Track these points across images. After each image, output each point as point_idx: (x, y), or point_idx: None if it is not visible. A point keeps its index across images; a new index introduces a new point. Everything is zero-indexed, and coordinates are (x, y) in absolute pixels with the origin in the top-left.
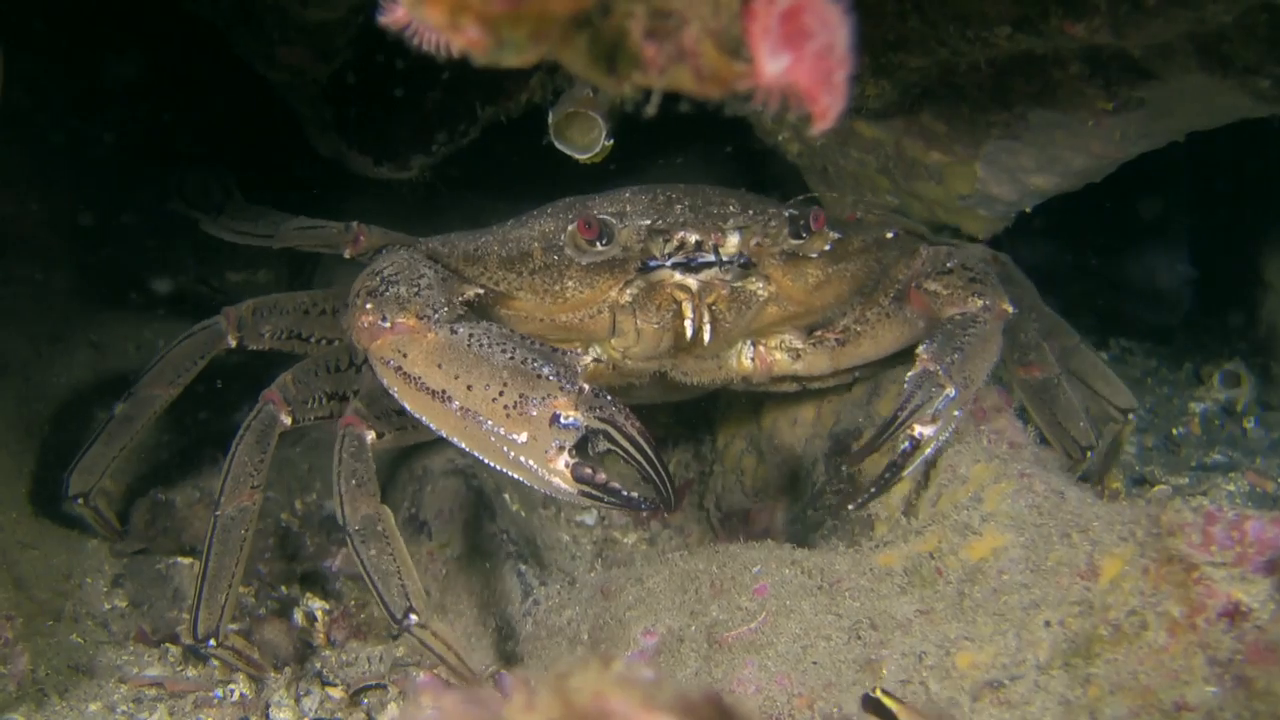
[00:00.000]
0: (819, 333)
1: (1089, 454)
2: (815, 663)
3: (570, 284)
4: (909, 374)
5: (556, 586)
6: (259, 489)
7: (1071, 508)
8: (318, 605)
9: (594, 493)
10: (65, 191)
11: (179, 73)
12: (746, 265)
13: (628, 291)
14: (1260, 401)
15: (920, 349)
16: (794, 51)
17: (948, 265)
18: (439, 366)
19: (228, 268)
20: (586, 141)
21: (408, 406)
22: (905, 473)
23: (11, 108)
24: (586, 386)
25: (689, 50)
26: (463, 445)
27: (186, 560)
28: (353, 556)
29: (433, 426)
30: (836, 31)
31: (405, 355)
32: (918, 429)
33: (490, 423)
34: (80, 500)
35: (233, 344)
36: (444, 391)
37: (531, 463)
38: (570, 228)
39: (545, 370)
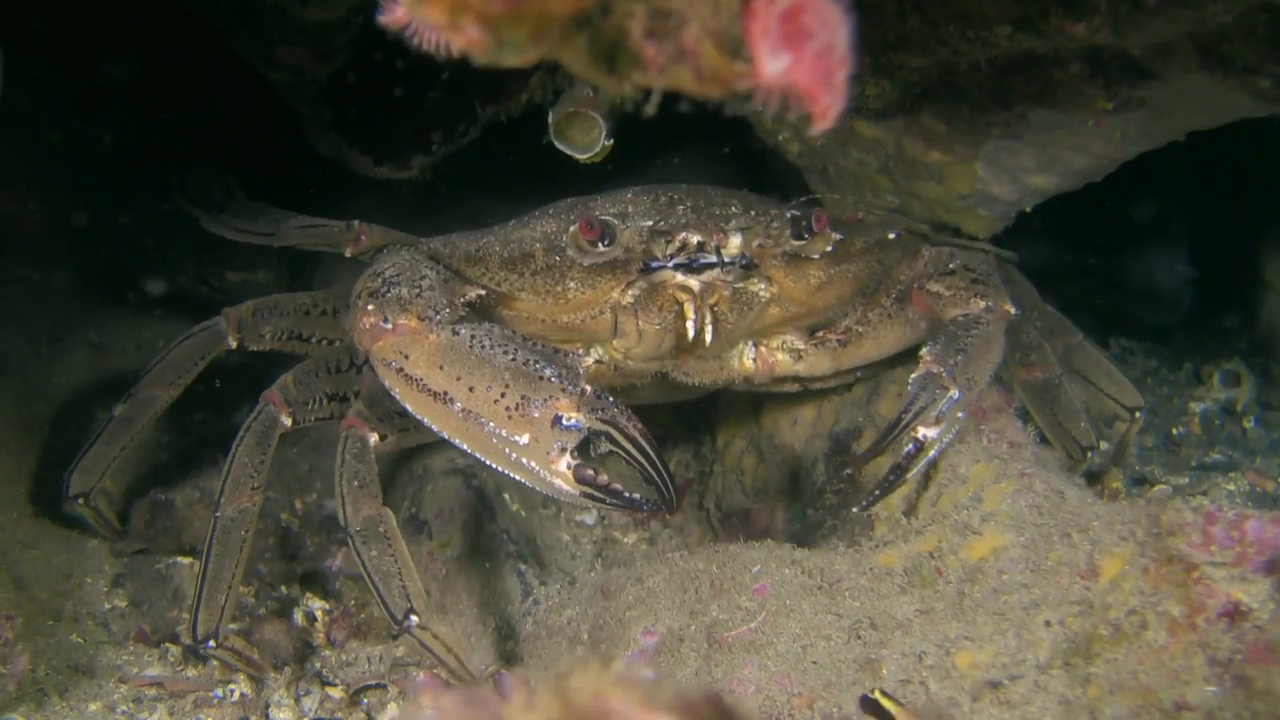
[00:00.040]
0: (820, 333)
1: (1089, 454)
2: (815, 662)
3: (572, 285)
4: (912, 376)
5: (556, 586)
6: (259, 490)
7: (1071, 507)
8: (318, 605)
9: (596, 494)
10: (65, 191)
11: (179, 73)
12: (748, 266)
13: (630, 292)
14: (1260, 401)
15: (924, 351)
16: (794, 51)
17: (950, 266)
18: (441, 368)
19: (227, 267)
20: (587, 141)
21: (409, 408)
22: (909, 475)
23: (12, 108)
24: (588, 388)
25: (689, 50)
26: (464, 447)
27: (186, 560)
28: (354, 557)
29: (434, 428)
30: (836, 31)
31: (407, 357)
32: (921, 431)
33: (492, 424)
34: (80, 500)
35: (233, 345)
36: (446, 393)
37: (533, 464)
38: (572, 228)
39: (547, 372)
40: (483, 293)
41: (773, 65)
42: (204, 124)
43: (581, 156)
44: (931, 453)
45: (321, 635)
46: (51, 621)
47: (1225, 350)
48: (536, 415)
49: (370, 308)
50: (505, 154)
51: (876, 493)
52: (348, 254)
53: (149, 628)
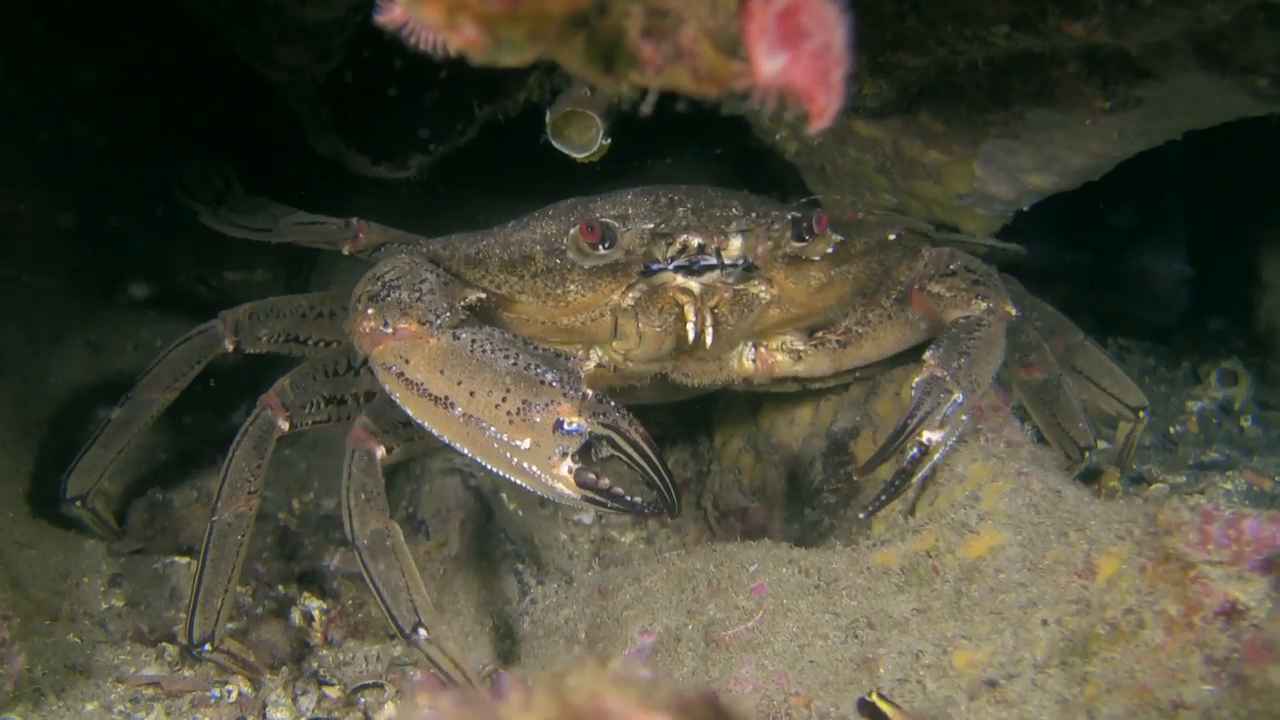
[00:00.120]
0: (820, 334)
1: (1087, 454)
2: (812, 661)
3: (572, 287)
4: (916, 380)
5: (554, 585)
6: (256, 494)
7: (1069, 506)
8: (315, 605)
9: (597, 498)
10: (64, 191)
11: (177, 72)
12: (749, 268)
13: (630, 295)
14: (1258, 400)
15: (927, 355)
16: (791, 51)
17: (951, 267)
18: (441, 372)
19: (225, 267)
20: (584, 141)
21: (409, 412)
22: (914, 479)
23: (10, 107)
24: (590, 392)
25: (686, 49)
26: (465, 451)
27: (184, 560)
28: (361, 571)
29: (435, 432)
30: (833, 31)
31: (407, 361)
32: (926, 435)
33: (493, 429)
34: (78, 503)
35: (230, 348)
36: (446, 398)
37: (535, 469)
38: (572, 231)
39: (548, 376)
40: (483, 296)
41: (770, 65)
42: (202, 123)
43: (579, 156)
44: (936, 456)
45: (319, 635)
46: (49, 621)
47: (1223, 349)
48: (538, 420)
49: (370, 312)
50: (503, 154)
51: (882, 498)
52: (346, 251)
53: (146, 627)
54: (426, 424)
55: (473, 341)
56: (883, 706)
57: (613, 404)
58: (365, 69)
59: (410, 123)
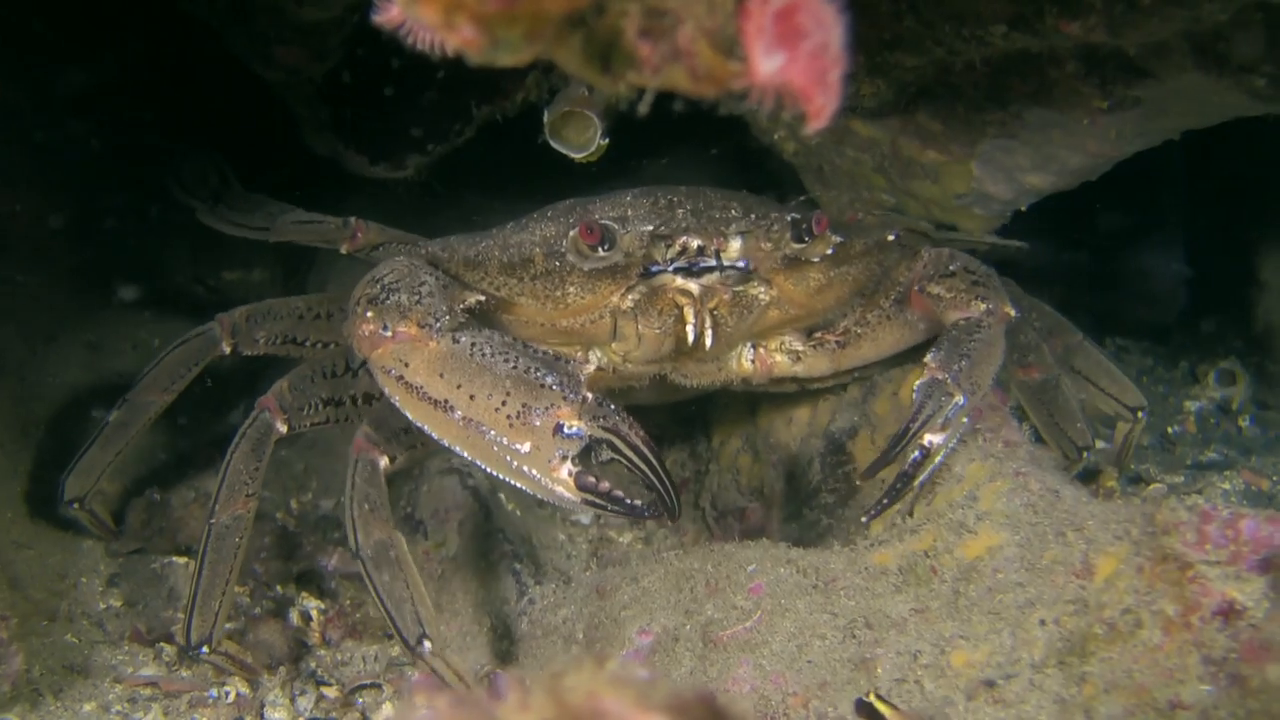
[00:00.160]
0: (819, 334)
1: (1085, 454)
2: (810, 662)
3: (572, 289)
4: (917, 383)
5: (552, 586)
6: (253, 497)
7: (1067, 506)
8: (313, 604)
9: (598, 501)
10: (61, 191)
11: (175, 72)
12: (748, 270)
13: (629, 297)
14: (1256, 400)
15: (928, 357)
16: (788, 51)
17: (950, 268)
18: (441, 376)
19: (223, 267)
20: (582, 140)
21: (409, 415)
22: (916, 482)
23: (8, 107)
24: (590, 395)
25: (684, 49)
26: (465, 454)
27: (182, 560)
28: (365, 582)
29: (435, 436)
30: (831, 31)
31: (407, 364)
32: (928, 438)
33: (493, 432)
34: (76, 504)
35: (227, 350)
36: (446, 401)
37: (535, 472)
38: (572, 233)
39: (549, 380)
40: (482, 298)
41: (767, 65)
42: (200, 123)
43: (577, 156)
44: (938, 459)
45: (317, 635)
46: (46, 621)
47: (1221, 349)
48: (538, 423)
49: (369, 315)
50: (501, 154)
51: (884, 501)
52: (344, 250)
53: (144, 627)
54: (426, 427)
55: (472, 345)
56: (880, 707)
57: (613, 407)
58: (363, 69)
59: (408, 123)
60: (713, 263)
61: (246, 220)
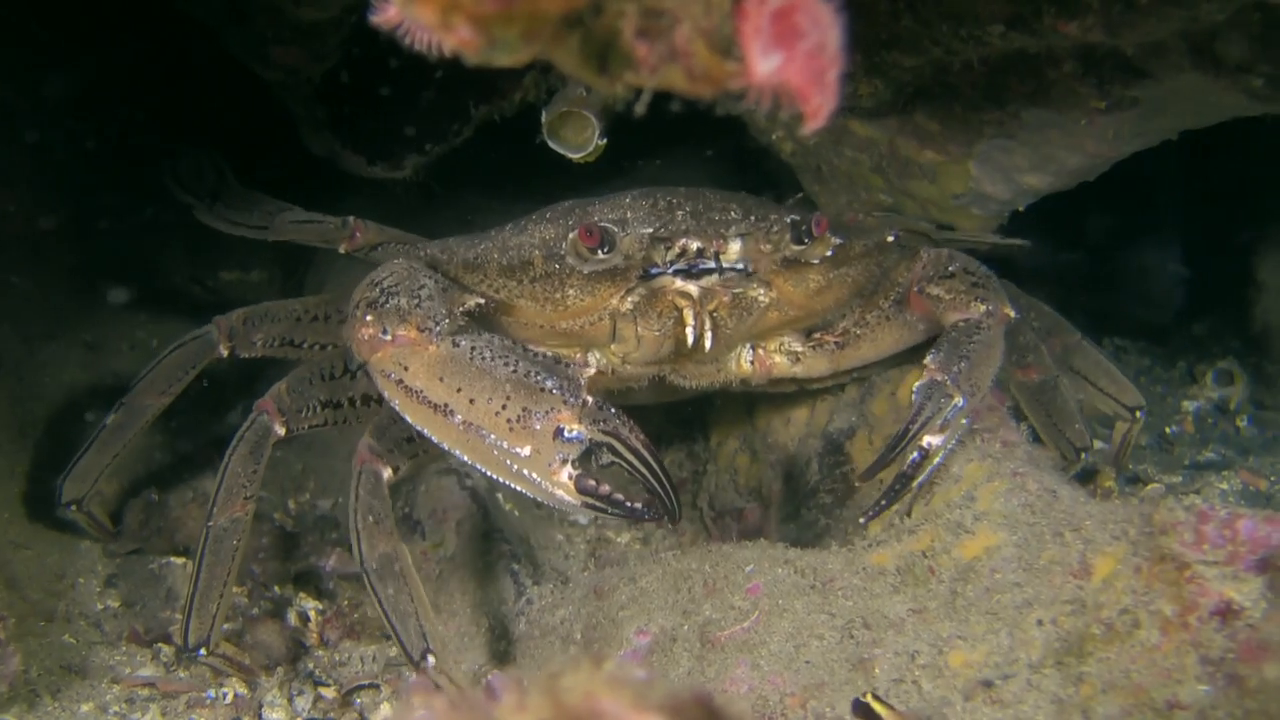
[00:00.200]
0: (818, 335)
1: (1084, 455)
2: (808, 662)
3: (571, 292)
4: (917, 384)
5: (550, 586)
6: (251, 500)
7: (1064, 506)
8: (311, 605)
9: (598, 504)
10: (57, 191)
11: (172, 72)
12: (748, 272)
13: (629, 299)
14: (1254, 400)
15: (927, 359)
16: (786, 51)
17: (949, 269)
18: (440, 380)
19: (221, 267)
20: (580, 141)
21: (409, 419)
22: (915, 484)
23: (4, 107)
24: (590, 399)
25: (681, 50)
26: (465, 458)
27: (180, 560)
28: (370, 596)
29: (435, 439)
30: (828, 31)
31: (406, 368)
32: (927, 439)
33: (493, 436)
34: (73, 507)
35: (224, 354)
36: (446, 405)
37: (535, 476)
38: (571, 236)
39: (548, 383)
40: (481, 301)
41: (764, 65)
42: (197, 123)
43: (575, 156)
44: (936, 460)
45: (315, 635)
46: (44, 622)
47: (1218, 349)
48: (538, 427)
49: (368, 318)
50: (499, 154)
51: (883, 503)
52: (342, 250)
53: (142, 628)
54: (426, 431)
55: (472, 348)
56: (876, 707)
57: (613, 410)
58: (361, 69)
59: (406, 123)
60: (712, 265)
61: (245, 219)
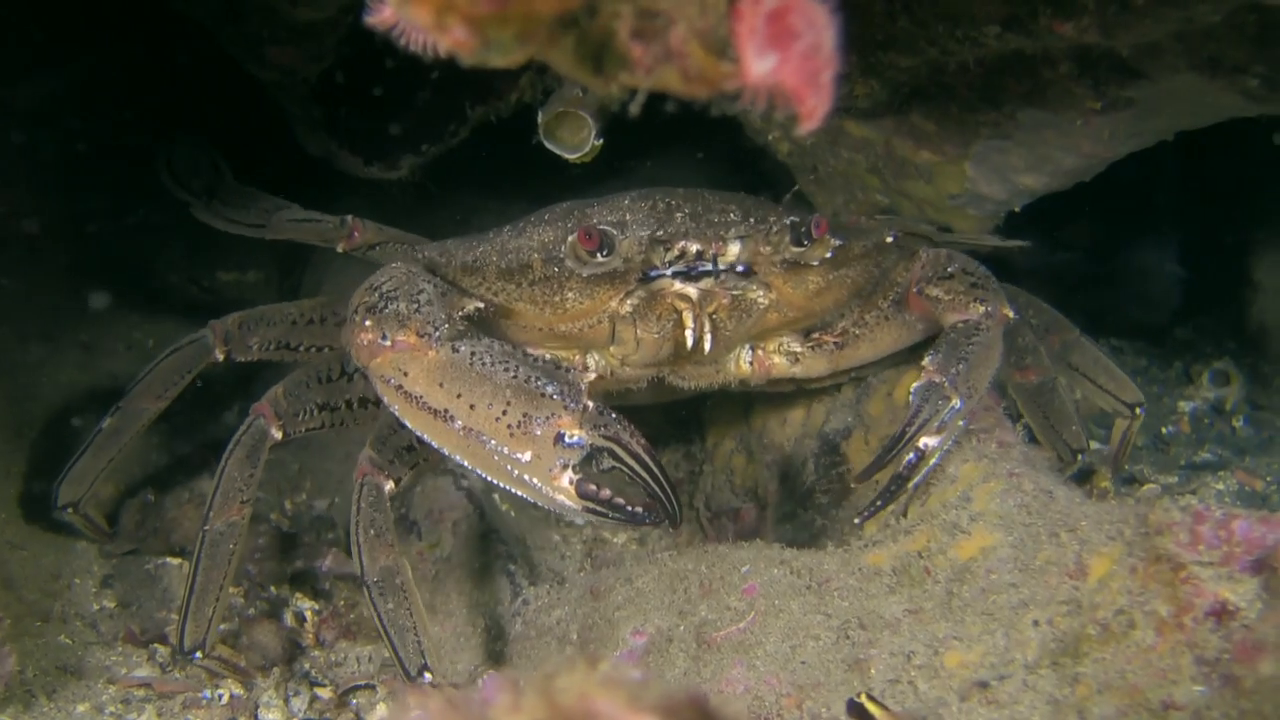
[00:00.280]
0: (817, 335)
1: (1080, 457)
2: (804, 662)
3: (570, 295)
4: (914, 385)
5: (546, 586)
6: (248, 503)
7: (1060, 507)
8: (307, 605)
9: (599, 509)
10: (56, 191)
11: (168, 72)
12: (747, 274)
13: (628, 301)
14: (1250, 400)
15: (926, 360)
16: (781, 51)
17: (948, 270)
18: (440, 385)
19: (218, 268)
20: (576, 141)
21: (409, 424)
22: (911, 485)
23: (5, 107)
24: (591, 404)
25: (676, 50)
26: (466, 463)
27: (176, 561)
28: (370, 609)
29: (435, 445)
30: (823, 32)
31: (406, 374)
32: (923, 440)
33: (494, 442)
34: (70, 509)
35: (220, 358)
36: (446, 410)
37: (536, 481)
38: (570, 239)
39: (549, 388)
40: (480, 305)
41: (759, 65)
42: (194, 123)
43: (571, 157)
44: (933, 461)
45: (311, 636)
46: (40, 622)
47: (1215, 349)
48: (539, 433)
49: (367, 323)
50: (495, 154)
51: (879, 503)
52: (340, 249)
53: (138, 628)
54: (426, 436)
55: (472, 354)
56: (871, 708)
57: (614, 415)
58: (357, 69)
59: (402, 123)
60: (711, 267)
61: (242, 217)
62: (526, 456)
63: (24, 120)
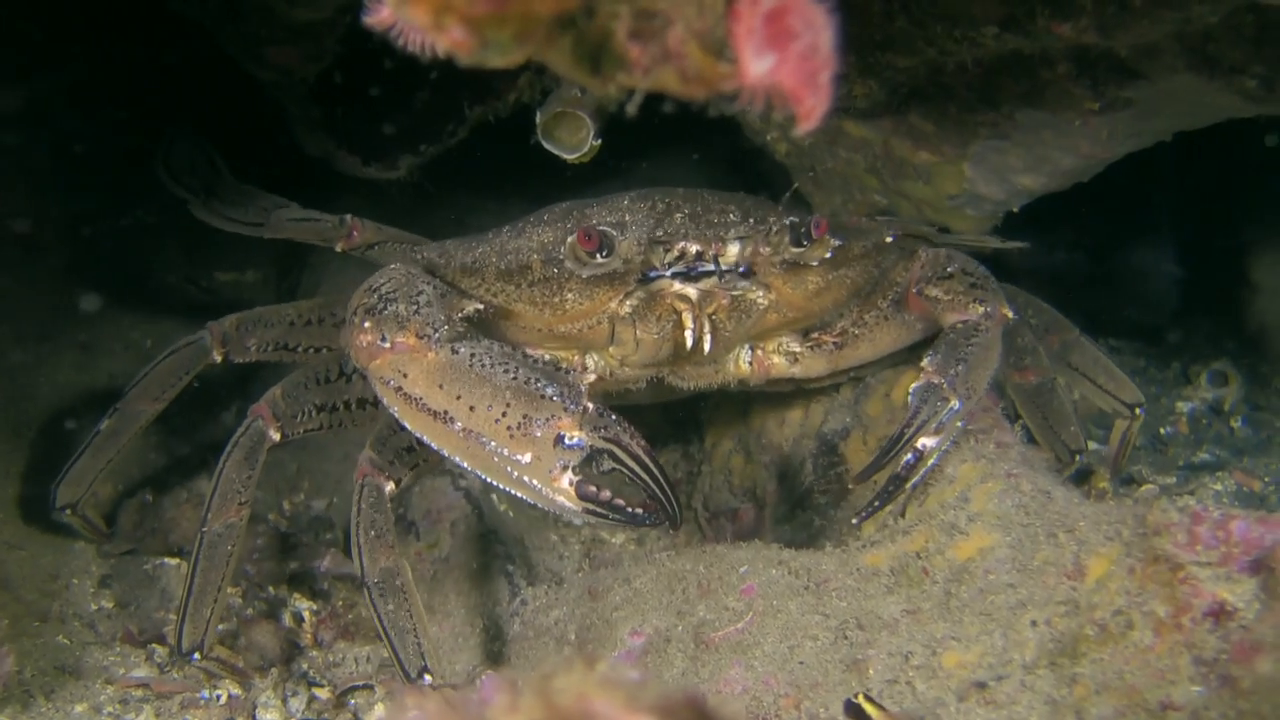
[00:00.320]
0: (816, 335)
1: (1078, 458)
2: (802, 663)
3: (570, 295)
4: (913, 386)
5: (544, 587)
6: (246, 505)
7: (1058, 507)
8: (305, 606)
9: (599, 511)
10: (54, 191)
11: (167, 71)
12: (747, 274)
13: (628, 302)
14: (1248, 400)
15: (925, 361)
16: (778, 52)
17: (948, 270)
18: (440, 387)
19: (216, 268)
20: (574, 141)
21: (408, 426)
22: (909, 485)
23: (5, 107)
24: (590, 406)
25: (674, 51)
26: (465, 465)
27: (174, 561)
28: (370, 610)
29: (435, 446)
30: (821, 32)
31: (405, 375)
32: (921, 441)
33: (494, 444)
34: (68, 510)
35: (218, 359)
36: (446, 412)
37: (536, 483)
38: (570, 239)
39: (549, 390)
40: (480, 307)
41: (757, 66)
42: (192, 123)
43: (569, 157)
44: (931, 462)
45: (309, 636)
46: (38, 622)
47: (1213, 350)
48: (539, 434)
49: (367, 325)
50: (493, 154)
51: (877, 504)
52: (339, 248)
53: (136, 629)
54: (426, 438)
55: (471, 355)
56: (868, 708)
57: (614, 417)
58: (355, 69)
59: (401, 123)
60: (711, 268)
61: (240, 215)
62: (526, 458)
63: (23, 120)
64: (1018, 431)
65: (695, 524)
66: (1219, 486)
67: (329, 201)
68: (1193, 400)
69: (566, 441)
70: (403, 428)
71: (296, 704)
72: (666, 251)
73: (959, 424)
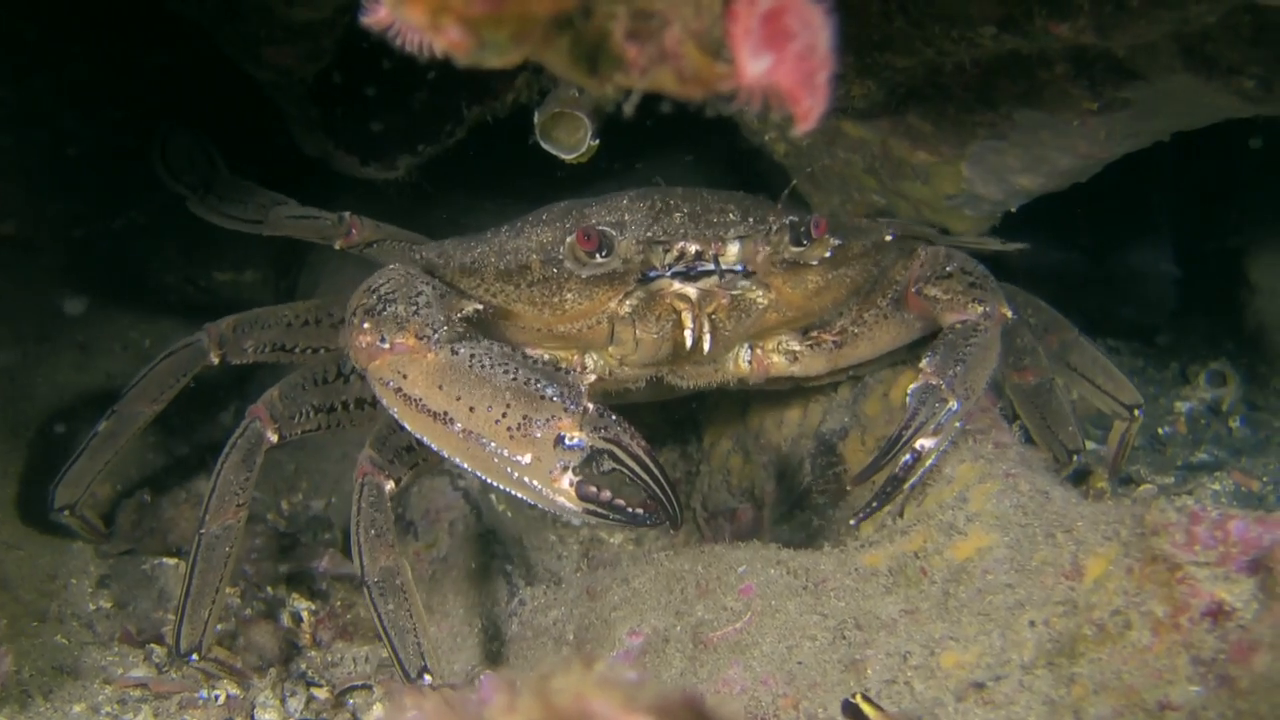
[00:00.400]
0: (815, 334)
1: (1075, 458)
2: (800, 663)
3: (569, 295)
4: (912, 387)
5: (542, 587)
6: (244, 506)
7: (1056, 508)
8: (304, 606)
9: (599, 511)
10: (53, 191)
11: (166, 71)
12: (746, 274)
13: (627, 302)
14: (1246, 400)
15: (923, 362)
16: (776, 52)
17: (947, 269)
18: (440, 388)
19: (214, 267)
20: (573, 141)
21: (408, 426)
22: (907, 486)
23: (5, 107)
24: (591, 406)
25: (671, 51)
26: (465, 466)
27: (172, 561)
28: (369, 610)
29: (435, 447)
30: (818, 33)
31: (405, 376)
32: (920, 442)
33: (494, 444)
34: (66, 511)
35: (215, 361)
36: (445, 413)
37: (536, 483)
38: (569, 239)
39: (549, 391)
40: (479, 307)
41: (754, 66)
42: (190, 123)
43: (567, 157)
44: (929, 463)
45: (308, 636)
46: (36, 623)
47: (1211, 350)
48: (539, 435)
49: (366, 326)
50: (491, 154)
51: (875, 504)
52: (338, 246)
53: (134, 629)
54: (426, 439)
55: (471, 355)
56: (866, 709)
57: (614, 417)
58: (354, 70)
59: (399, 123)
60: (711, 267)
61: (239, 212)
62: (526, 459)
63: (21, 121)
64: (1016, 431)
65: (693, 524)
66: (1217, 486)
67: (327, 201)
68: (1191, 400)
69: (567, 442)
70: (402, 428)
71: (295, 704)
72: (666, 251)
73: (957, 425)
